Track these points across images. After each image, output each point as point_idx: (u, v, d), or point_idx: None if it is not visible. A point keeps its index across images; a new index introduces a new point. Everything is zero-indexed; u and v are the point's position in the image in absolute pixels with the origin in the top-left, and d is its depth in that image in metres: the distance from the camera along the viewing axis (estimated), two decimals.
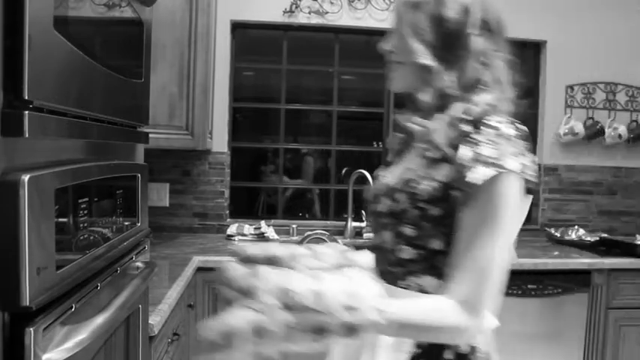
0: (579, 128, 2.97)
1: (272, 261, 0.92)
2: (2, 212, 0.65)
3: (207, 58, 2.40)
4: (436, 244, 0.92)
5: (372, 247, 1.02)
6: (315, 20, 2.85)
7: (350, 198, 2.91)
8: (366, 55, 3.11)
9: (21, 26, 0.65)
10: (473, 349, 0.93)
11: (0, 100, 0.64)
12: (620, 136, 3.00)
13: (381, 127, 3.10)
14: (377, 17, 2.89)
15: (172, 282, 1.75)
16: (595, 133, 3.01)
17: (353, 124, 3.65)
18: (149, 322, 1.35)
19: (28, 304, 0.67)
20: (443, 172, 0.89)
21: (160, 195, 2.77)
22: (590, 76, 3.05)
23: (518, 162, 0.85)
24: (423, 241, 0.92)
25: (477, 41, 0.93)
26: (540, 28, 3.00)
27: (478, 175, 0.83)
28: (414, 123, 0.98)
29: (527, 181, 0.87)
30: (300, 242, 2.69)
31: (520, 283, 2.32)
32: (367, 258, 0.90)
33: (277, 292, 0.70)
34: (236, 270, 0.75)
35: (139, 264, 1.21)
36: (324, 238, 2.65)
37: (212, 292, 2.21)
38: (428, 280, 0.93)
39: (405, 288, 0.94)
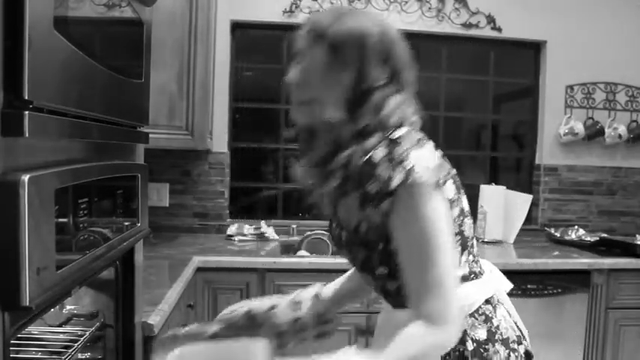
0: (579, 128, 2.97)
1: (250, 317, 1.12)
2: (2, 212, 0.65)
3: (207, 58, 2.40)
4: None
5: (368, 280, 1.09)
6: None
7: None
8: None
9: (21, 26, 0.65)
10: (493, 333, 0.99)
11: (0, 100, 0.64)
12: (620, 136, 3.00)
13: None
14: None
15: (172, 282, 1.75)
16: (595, 133, 3.01)
17: None
18: (149, 322, 1.36)
19: (28, 304, 0.67)
20: (372, 212, 0.92)
21: (160, 195, 2.77)
22: (590, 76, 3.05)
23: (400, 173, 0.85)
24: (398, 272, 0.96)
25: (381, 92, 0.93)
26: (540, 28, 3.00)
27: (381, 208, 0.88)
28: (305, 177, 1.00)
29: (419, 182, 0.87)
30: (300, 242, 2.69)
31: (520, 283, 2.32)
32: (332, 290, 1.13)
33: None
34: None
35: None
36: (323, 238, 2.65)
37: (212, 292, 2.21)
38: None
39: None
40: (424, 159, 0.88)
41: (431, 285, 0.88)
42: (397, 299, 1.01)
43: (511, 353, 0.98)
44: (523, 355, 1.01)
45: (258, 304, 1.17)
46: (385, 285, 1.01)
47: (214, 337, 1.10)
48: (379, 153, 0.89)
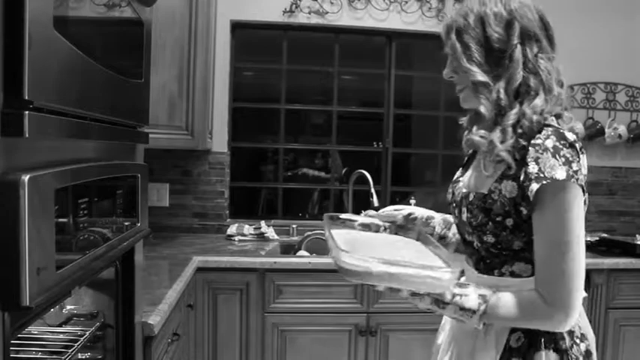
0: (579, 128, 2.97)
1: (409, 219, 1.29)
2: (2, 212, 0.65)
3: (207, 58, 2.40)
4: (517, 245, 1.04)
5: (465, 242, 1.17)
6: (315, 20, 2.85)
7: (350, 198, 2.91)
8: (366, 55, 3.11)
9: (21, 26, 0.65)
10: (572, 343, 1.05)
11: (0, 100, 0.64)
12: (620, 136, 3.00)
13: (380, 127, 3.10)
14: (377, 17, 2.89)
15: (172, 282, 1.75)
16: (595, 133, 3.01)
17: (353, 124, 3.65)
18: (149, 322, 1.36)
19: (28, 304, 0.67)
20: (509, 189, 1.01)
21: (160, 195, 2.78)
22: (590, 76, 3.05)
23: (564, 171, 0.94)
24: (504, 245, 1.05)
25: (520, 51, 1.05)
26: None
27: (532, 190, 0.95)
28: (478, 135, 1.07)
29: (577, 185, 0.96)
30: (301, 242, 2.69)
31: None
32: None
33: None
34: None
35: None
36: (323, 238, 2.65)
37: (212, 292, 2.21)
38: (519, 266, 1.06)
39: (500, 275, 1.08)
40: (585, 167, 0.98)
41: (562, 274, 0.94)
42: (489, 264, 1.09)
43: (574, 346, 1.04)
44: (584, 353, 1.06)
45: (420, 209, 1.32)
46: (519, 255, 1.06)
47: (366, 227, 1.26)
48: (553, 144, 0.96)
